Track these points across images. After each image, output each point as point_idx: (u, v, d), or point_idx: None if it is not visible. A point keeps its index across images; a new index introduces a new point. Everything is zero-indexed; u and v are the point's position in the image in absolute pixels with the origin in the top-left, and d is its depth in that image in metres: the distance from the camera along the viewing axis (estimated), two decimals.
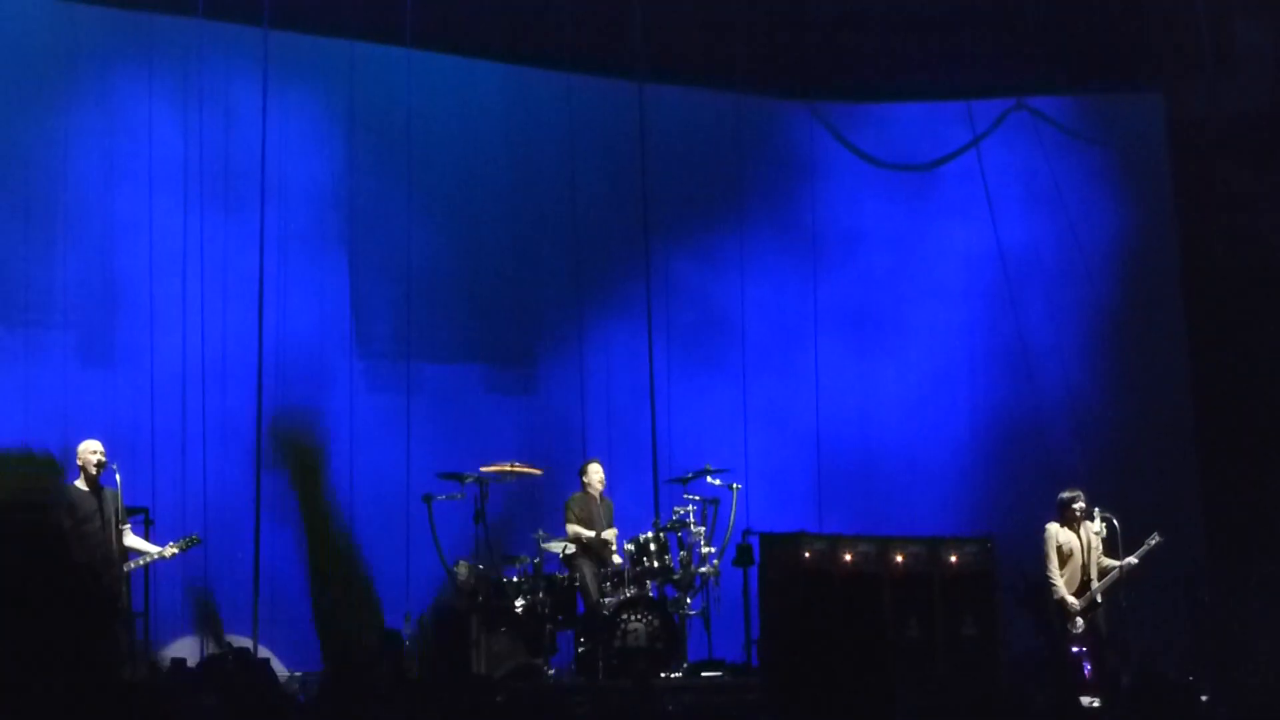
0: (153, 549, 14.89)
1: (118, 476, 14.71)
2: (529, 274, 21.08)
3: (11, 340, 18.56)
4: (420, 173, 20.34)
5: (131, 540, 14.86)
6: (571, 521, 17.22)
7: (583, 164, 21.13)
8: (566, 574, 16.98)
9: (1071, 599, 16.83)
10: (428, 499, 16.65)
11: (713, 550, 16.97)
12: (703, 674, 16.58)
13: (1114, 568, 16.80)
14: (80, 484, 14.64)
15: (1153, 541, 16.88)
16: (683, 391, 21.29)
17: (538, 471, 17.45)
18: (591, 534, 17.11)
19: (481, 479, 16.69)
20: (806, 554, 17.37)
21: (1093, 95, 22.32)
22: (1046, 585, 16.96)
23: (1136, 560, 16.85)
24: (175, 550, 15.02)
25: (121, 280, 19.02)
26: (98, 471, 14.66)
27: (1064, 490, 17.35)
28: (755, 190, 22.15)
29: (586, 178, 21.17)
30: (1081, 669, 17.13)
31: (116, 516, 14.72)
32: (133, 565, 14.77)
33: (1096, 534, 16.96)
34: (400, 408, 19.96)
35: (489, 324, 20.87)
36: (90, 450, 14.72)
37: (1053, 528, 17.10)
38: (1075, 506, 17.02)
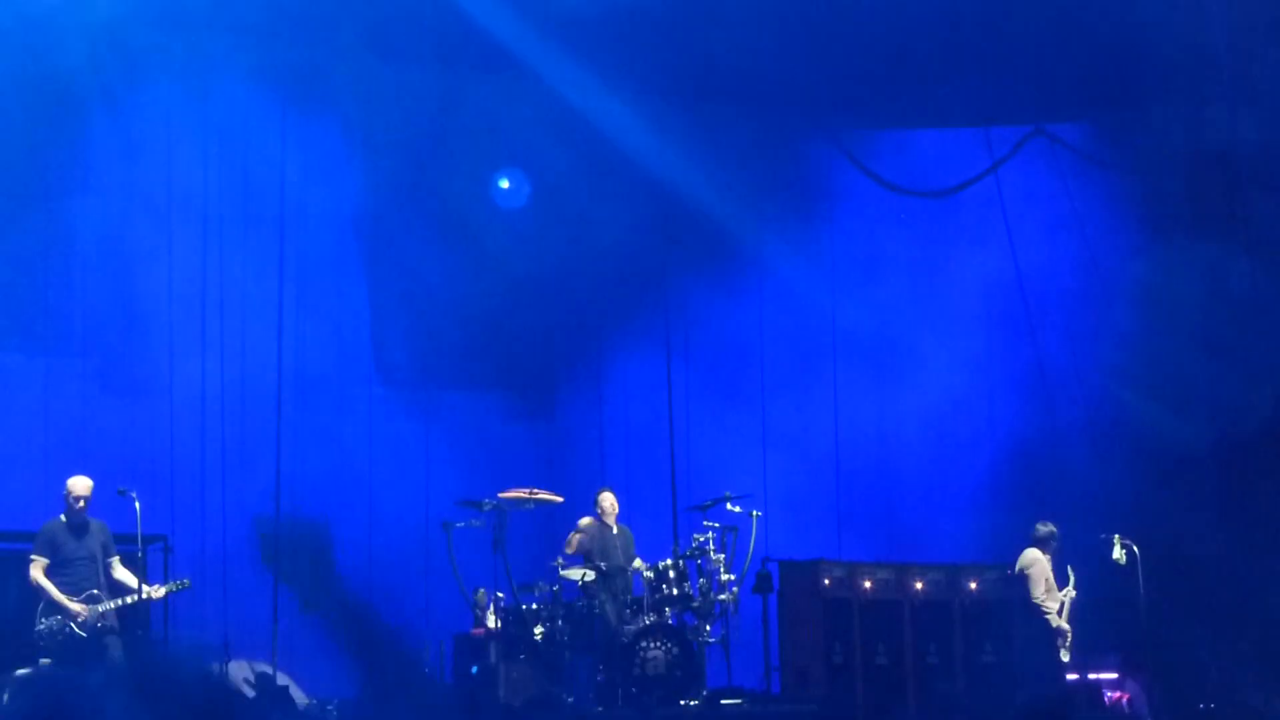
0: (142, 588, 14.85)
1: (137, 505, 14.68)
2: (548, 301, 21.09)
3: (32, 368, 18.61)
4: (440, 199, 20.38)
5: (121, 574, 14.87)
6: (571, 545, 17.16)
7: (601, 190, 21.15)
8: (585, 601, 16.92)
9: (1066, 626, 16.95)
10: (447, 526, 16.61)
11: (732, 577, 16.91)
12: (722, 701, 16.51)
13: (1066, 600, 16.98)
14: (63, 519, 14.71)
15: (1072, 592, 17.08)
16: (701, 418, 21.31)
17: (557, 498, 17.39)
18: (579, 574, 16.89)
19: (500, 506, 16.64)
20: (826, 581, 17.36)
21: (1111, 121, 22.28)
22: (1038, 613, 17.03)
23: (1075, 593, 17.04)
24: (164, 592, 15.02)
25: (141, 308, 19.05)
26: (82, 507, 14.69)
27: (1042, 522, 17.45)
28: (774, 217, 22.15)
29: (605, 205, 21.19)
30: (1102, 695, 17.13)
31: (104, 551, 14.76)
32: (122, 602, 14.76)
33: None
34: (419, 435, 20.01)
35: (508, 351, 20.90)
36: (74, 488, 14.73)
37: (1041, 556, 17.17)
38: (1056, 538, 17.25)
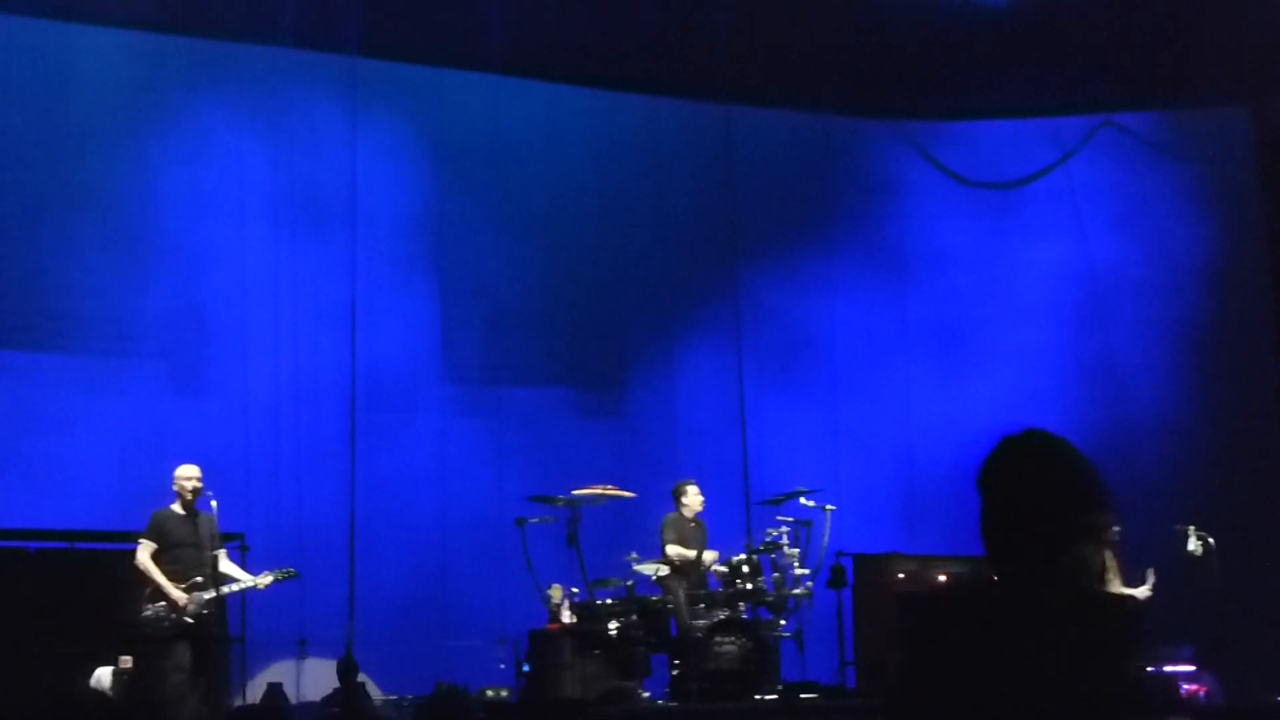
0: (247, 577, 14.86)
1: (214, 504, 14.74)
2: (617, 298, 21.16)
3: (104, 371, 18.75)
4: (508, 198, 20.49)
5: (226, 566, 14.84)
6: (670, 542, 17.15)
7: (669, 187, 21.22)
8: (659, 596, 16.93)
9: None
10: (520, 523, 16.60)
11: (806, 572, 16.87)
12: (796, 696, 16.48)
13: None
14: (176, 508, 14.67)
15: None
16: (771, 412, 21.30)
17: (630, 494, 17.39)
18: (691, 554, 17.05)
19: (573, 502, 16.64)
20: (899, 575, 17.34)
21: (1181, 111, 22.20)
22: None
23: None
24: (270, 580, 14.98)
25: (211, 309, 19.19)
26: (193, 497, 14.66)
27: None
28: (842, 210, 22.17)
29: (673, 201, 21.28)
30: (1178, 688, 17.04)
31: (212, 542, 14.71)
32: (227, 591, 14.75)
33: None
34: (491, 432, 20.10)
35: (578, 348, 20.96)
36: (186, 476, 14.72)
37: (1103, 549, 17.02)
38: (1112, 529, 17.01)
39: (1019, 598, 4.50)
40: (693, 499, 17.51)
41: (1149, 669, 16.81)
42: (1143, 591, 16.90)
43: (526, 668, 16.60)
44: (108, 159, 18.85)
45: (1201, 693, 17.39)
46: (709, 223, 21.43)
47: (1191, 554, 16.90)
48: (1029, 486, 4.61)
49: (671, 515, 17.41)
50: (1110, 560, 16.87)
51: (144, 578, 14.38)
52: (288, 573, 15.07)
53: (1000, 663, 4.37)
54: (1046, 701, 4.34)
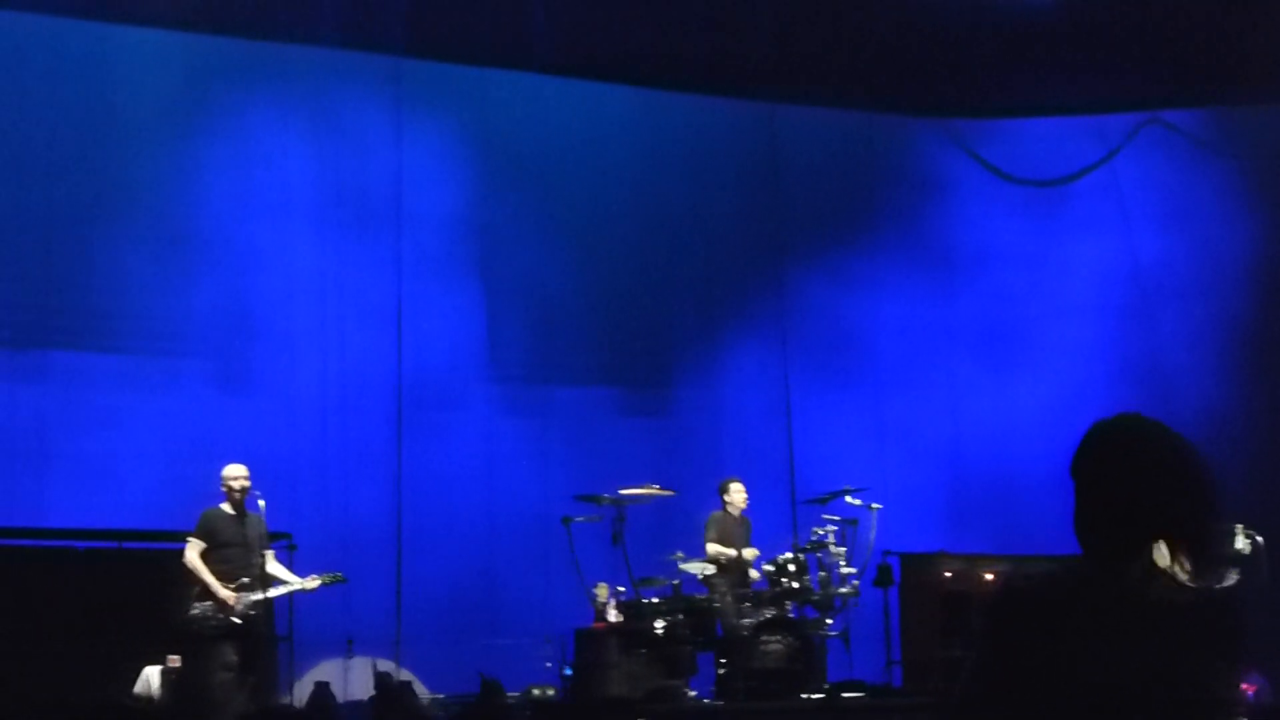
0: (295, 579, 14.84)
1: (261, 503, 14.74)
2: (661, 296, 21.17)
3: (150, 369, 18.81)
4: (552, 197, 20.53)
5: (274, 567, 14.84)
6: (712, 540, 17.13)
7: (714, 185, 21.23)
8: (705, 595, 16.91)
9: None
10: (566, 521, 16.59)
11: (853, 571, 16.83)
12: (842, 694, 16.45)
13: None
14: (225, 508, 14.68)
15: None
16: (817, 411, 21.28)
17: (674, 493, 17.34)
18: (732, 553, 17.02)
19: (619, 501, 16.62)
20: (946, 573, 17.29)
21: (1227, 108, 22.10)
22: None
23: None
24: (318, 584, 14.96)
25: (257, 308, 19.25)
26: (241, 496, 14.66)
27: None
28: (887, 208, 22.14)
29: (718, 199, 21.29)
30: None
31: (260, 542, 14.71)
32: (274, 594, 14.76)
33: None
34: (536, 431, 20.14)
35: (622, 346, 20.98)
36: (234, 475, 14.72)
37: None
38: None
39: (1117, 591, 4.40)
40: (737, 496, 17.48)
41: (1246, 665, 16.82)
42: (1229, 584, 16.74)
43: (568, 671, 16.61)
44: (154, 160, 18.93)
45: (1251, 692, 17.31)
46: (754, 221, 21.43)
47: (1239, 553, 16.80)
48: (1131, 472, 4.49)
49: (716, 513, 17.39)
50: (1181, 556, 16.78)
51: (192, 577, 14.37)
52: (336, 577, 15.06)
53: (1096, 658, 4.29)
54: (1144, 698, 4.27)
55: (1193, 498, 4.49)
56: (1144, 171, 22.23)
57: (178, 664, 14.94)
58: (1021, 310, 22.18)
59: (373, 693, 16.46)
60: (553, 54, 19.96)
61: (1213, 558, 4.48)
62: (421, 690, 17.20)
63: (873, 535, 17.04)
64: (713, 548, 17.02)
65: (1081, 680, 4.28)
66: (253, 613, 14.38)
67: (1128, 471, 4.50)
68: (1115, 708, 4.25)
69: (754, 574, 17.00)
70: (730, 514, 17.40)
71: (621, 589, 16.69)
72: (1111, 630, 4.33)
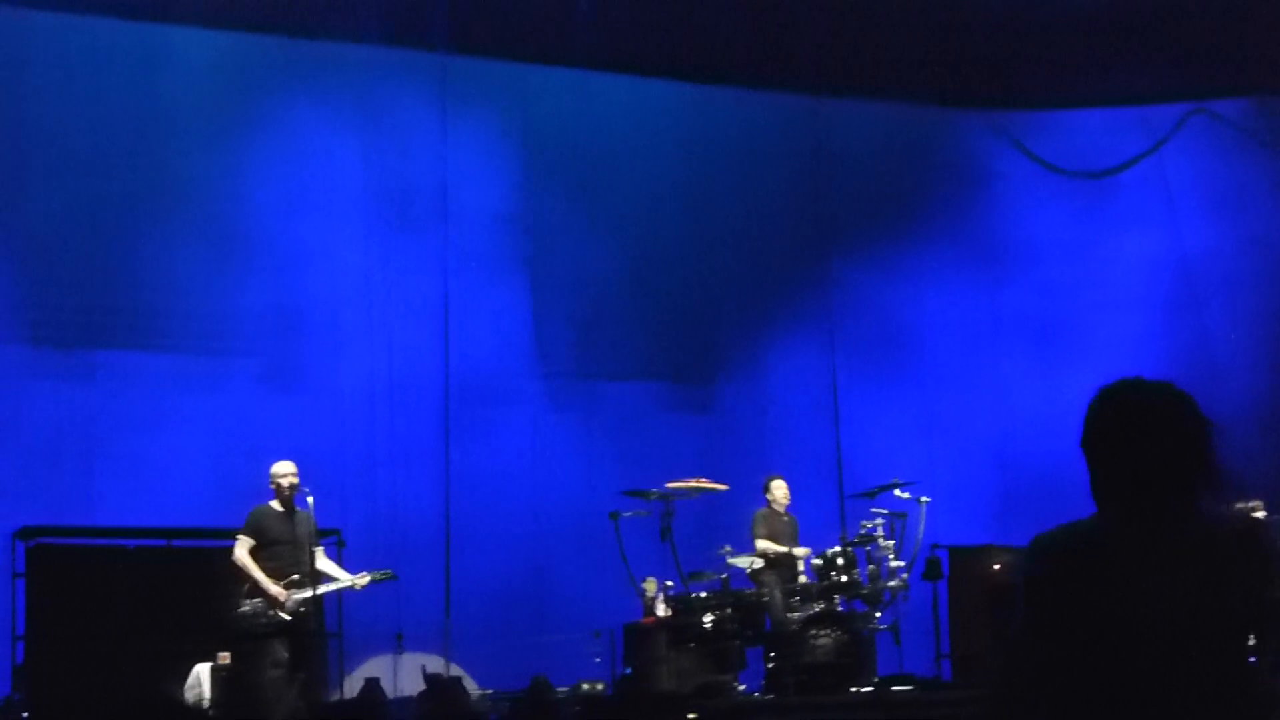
0: (345, 576, 14.87)
1: (310, 500, 14.78)
2: (708, 291, 21.17)
3: (199, 368, 18.89)
4: (598, 192, 20.53)
5: (324, 564, 14.87)
6: (760, 536, 17.13)
7: (760, 179, 21.22)
8: (754, 590, 16.90)
9: None
10: (614, 516, 16.60)
11: (902, 564, 16.80)
12: (892, 688, 16.42)
13: None
14: (274, 505, 14.71)
15: None
16: (864, 405, 21.25)
17: (723, 487, 17.33)
18: (781, 549, 17.02)
19: (667, 496, 16.62)
20: (995, 566, 17.24)
21: (1274, 97, 21.99)
22: None
23: None
24: (367, 580, 14.96)
25: (305, 306, 19.30)
26: (290, 493, 14.69)
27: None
28: (934, 201, 22.08)
29: (764, 193, 21.28)
30: None
31: (310, 539, 14.74)
32: (324, 591, 14.76)
33: None
34: (583, 426, 20.15)
35: (669, 342, 20.97)
36: (283, 472, 14.76)
37: None
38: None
39: (1148, 535, 4.50)
40: (779, 493, 17.49)
41: None
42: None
43: (628, 670, 16.61)
44: (201, 159, 18.98)
45: None
46: (800, 215, 21.41)
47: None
48: (1135, 431, 4.67)
49: (762, 510, 17.39)
50: None
51: (242, 574, 14.42)
52: (385, 574, 15.08)
53: (1133, 592, 4.37)
54: (1191, 631, 4.34)
55: (1193, 446, 4.63)
56: (1191, 162, 22.14)
57: (228, 661, 14.97)
58: (1069, 302, 22.10)
59: (422, 688, 16.49)
60: (598, 48, 19.97)
61: (1219, 496, 4.58)
62: (471, 686, 17.23)
63: (921, 528, 17.01)
64: (762, 543, 17.02)
65: (1122, 615, 4.40)
66: (303, 609, 14.41)
67: (1129, 428, 4.70)
68: (1157, 638, 4.35)
69: (803, 578, 16.96)
70: (775, 510, 17.40)
71: (670, 584, 16.68)
72: (1146, 565, 4.45)
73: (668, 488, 16.63)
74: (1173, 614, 4.36)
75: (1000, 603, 17.19)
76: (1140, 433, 4.65)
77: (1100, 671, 4.39)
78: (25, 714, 15.32)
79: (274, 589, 14.28)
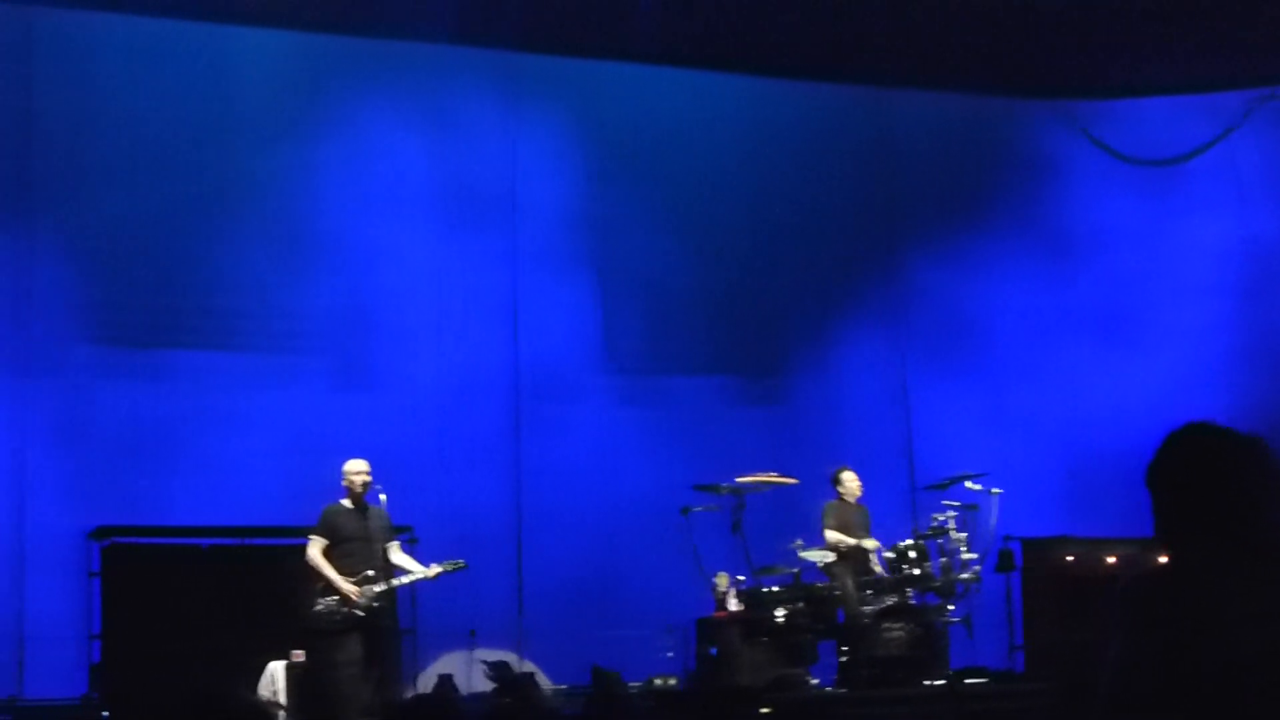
0: (418, 568, 14.93)
1: (382, 497, 14.85)
2: (775, 284, 21.14)
3: (270, 368, 18.99)
4: (665, 187, 20.55)
5: (398, 558, 14.96)
6: (830, 528, 17.08)
7: (826, 172, 21.20)
8: (826, 583, 16.87)
9: None
10: (685, 511, 16.60)
11: (974, 556, 16.73)
12: (965, 681, 16.37)
13: None
14: (346, 503, 14.79)
15: None
16: (934, 397, 21.21)
17: (793, 481, 17.31)
18: (851, 541, 16.97)
19: (737, 490, 16.60)
20: (1068, 558, 17.19)
21: None
22: None
23: None
24: (440, 571, 15.02)
25: (374, 304, 19.38)
26: (362, 490, 14.77)
27: None
28: (1001, 192, 21.99)
29: (830, 186, 21.25)
30: None
31: (384, 535, 14.82)
32: (398, 583, 14.85)
33: None
34: (653, 421, 20.15)
35: (738, 335, 20.98)
36: (355, 470, 14.85)
37: None
38: None
39: (1242, 579, 4.47)
40: (851, 484, 17.41)
41: None
42: None
43: (714, 650, 16.62)
44: (271, 158, 19.08)
45: None
46: (867, 207, 21.40)
47: None
48: (1204, 480, 4.63)
49: (832, 502, 17.33)
50: None
51: (315, 572, 14.51)
52: (457, 564, 15.15)
53: (1240, 637, 4.35)
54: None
55: (1267, 495, 4.60)
56: (1260, 148, 22.00)
57: (302, 659, 15.05)
58: (1138, 292, 21.99)
59: (493, 685, 16.55)
60: (663, 44, 19.97)
61: None
62: (544, 682, 17.27)
63: (993, 520, 16.94)
64: (832, 535, 16.96)
65: (1224, 660, 4.36)
66: (376, 604, 14.48)
67: (1207, 476, 4.64)
68: (1262, 685, 4.31)
69: (876, 568, 16.92)
70: (846, 502, 17.34)
71: (741, 578, 16.69)
72: (1245, 610, 4.40)
73: (738, 482, 16.62)
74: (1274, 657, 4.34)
75: (1075, 594, 17.15)
76: (1220, 473, 4.63)
77: (1204, 715, 4.38)
78: (105, 713, 15.46)
79: (346, 586, 14.35)
